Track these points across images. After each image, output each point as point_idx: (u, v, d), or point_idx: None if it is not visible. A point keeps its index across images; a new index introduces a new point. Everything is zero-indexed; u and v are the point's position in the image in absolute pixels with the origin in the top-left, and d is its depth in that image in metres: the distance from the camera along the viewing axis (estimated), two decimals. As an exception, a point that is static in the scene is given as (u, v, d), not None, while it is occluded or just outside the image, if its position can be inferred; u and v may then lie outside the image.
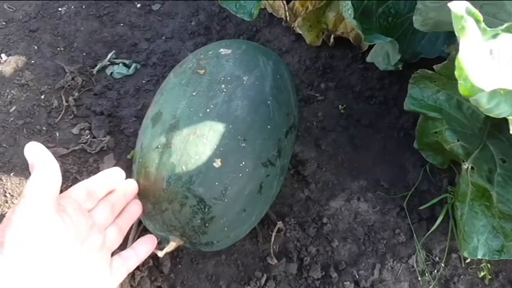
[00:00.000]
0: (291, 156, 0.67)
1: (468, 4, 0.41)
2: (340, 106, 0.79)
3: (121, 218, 0.56)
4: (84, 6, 0.92)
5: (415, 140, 0.71)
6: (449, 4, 0.40)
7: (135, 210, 0.58)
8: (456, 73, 0.41)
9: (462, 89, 0.42)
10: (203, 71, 0.60)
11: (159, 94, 0.63)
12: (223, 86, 0.58)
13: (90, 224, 0.51)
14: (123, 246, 0.60)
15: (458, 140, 0.64)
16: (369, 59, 0.80)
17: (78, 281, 0.47)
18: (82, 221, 0.50)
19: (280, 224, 0.67)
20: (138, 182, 0.58)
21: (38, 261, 0.43)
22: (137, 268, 0.65)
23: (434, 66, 0.64)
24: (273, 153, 0.58)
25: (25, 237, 0.43)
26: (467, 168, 0.62)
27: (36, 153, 0.48)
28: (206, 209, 0.55)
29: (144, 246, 0.58)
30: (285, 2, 0.83)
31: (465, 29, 0.41)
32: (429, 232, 0.67)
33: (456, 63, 0.41)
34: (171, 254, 0.66)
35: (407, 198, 0.70)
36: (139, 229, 0.67)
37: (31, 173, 0.47)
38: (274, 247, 0.67)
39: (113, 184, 0.56)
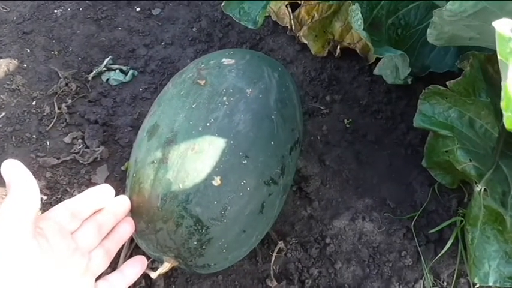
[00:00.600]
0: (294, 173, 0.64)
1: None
2: (345, 120, 0.76)
3: (109, 240, 0.52)
4: (81, 9, 0.88)
5: (423, 158, 0.68)
6: (494, 23, 0.36)
7: (126, 230, 0.54)
8: (502, 104, 0.37)
9: (509, 122, 0.38)
10: (204, 81, 0.57)
11: (157, 105, 0.59)
12: (225, 98, 0.55)
13: (72, 248, 0.47)
14: (115, 264, 0.57)
15: (470, 160, 0.60)
16: (376, 71, 0.77)
17: None
18: (62, 244, 0.46)
19: (281, 244, 0.64)
20: (131, 198, 0.54)
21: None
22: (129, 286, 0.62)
23: (448, 83, 0.61)
24: (276, 171, 0.55)
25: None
26: (480, 190, 0.59)
27: (13, 171, 0.44)
28: (203, 230, 0.51)
29: (133, 269, 0.54)
30: (290, 10, 0.80)
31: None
32: (438, 256, 0.64)
33: (503, 93, 0.37)
34: (165, 274, 0.62)
35: (415, 219, 0.66)
36: (132, 246, 0.64)
37: (7, 193, 0.43)
38: (274, 268, 0.64)
39: (100, 203, 0.52)
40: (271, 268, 0.63)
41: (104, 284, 0.50)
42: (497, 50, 0.36)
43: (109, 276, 0.52)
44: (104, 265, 0.51)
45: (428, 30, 0.55)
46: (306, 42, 0.81)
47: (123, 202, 0.54)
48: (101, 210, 0.52)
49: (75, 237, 0.48)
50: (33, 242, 0.42)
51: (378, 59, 0.78)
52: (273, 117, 0.56)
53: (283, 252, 0.65)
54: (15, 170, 0.44)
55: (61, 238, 0.46)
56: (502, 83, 0.36)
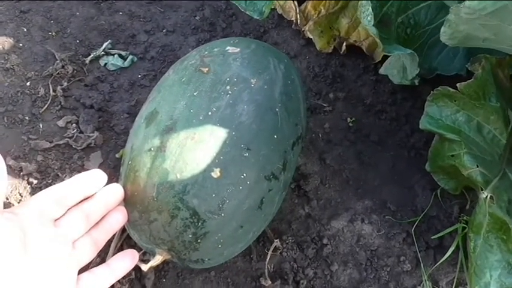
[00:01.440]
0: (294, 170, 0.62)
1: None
2: (348, 119, 0.74)
3: (97, 229, 0.50)
4: (81, -10, 0.86)
5: (427, 162, 0.66)
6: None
7: (118, 219, 0.51)
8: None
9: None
10: (207, 69, 0.54)
11: (156, 91, 0.57)
12: (228, 87, 0.52)
13: (52, 235, 0.44)
14: (104, 255, 0.55)
15: (477, 166, 0.59)
16: (382, 70, 0.75)
17: None
18: (40, 231, 0.43)
19: (277, 243, 0.62)
20: (125, 186, 0.52)
21: None
22: (117, 280, 0.59)
23: (458, 84, 0.59)
24: (278, 166, 0.53)
25: None
26: (486, 197, 0.57)
27: None
28: (199, 223, 0.49)
29: (122, 263, 0.51)
30: (296, 3, 0.78)
31: None
32: (438, 263, 0.62)
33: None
34: (156, 267, 0.60)
35: (415, 224, 0.65)
36: (123, 237, 0.61)
37: None
38: (269, 267, 0.62)
39: (89, 190, 0.49)
40: (266, 267, 0.61)
41: (88, 276, 0.48)
42: None
43: (95, 269, 0.49)
44: (90, 255, 0.49)
45: (442, 29, 0.53)
46: (311, 37, 0.79)
47: (116, 190, 0.51)
48: (90, 198, 0.50)
49: (58, 225, 0.46)
50: (1, 229, 0.40)
51: (383, 58, 0.76)
52: (277, 110, 0.53)
53: (279, 251, 0.63)
54: None
55: (39, 224, 0.43)
56: None
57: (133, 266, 0.52)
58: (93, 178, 0.49)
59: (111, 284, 0.50)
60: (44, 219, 0.45)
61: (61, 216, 0.47)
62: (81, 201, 0.49)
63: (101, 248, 0.51)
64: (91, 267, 0.50)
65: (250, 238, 0.55)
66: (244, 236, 0.53)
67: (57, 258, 0.44)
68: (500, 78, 0.64)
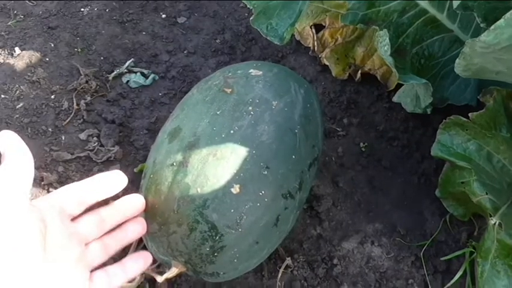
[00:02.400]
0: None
1: None
2: (361, 144, 0.76)
3: (111, 236, 0.51)
4: (107, 10, 0.89)
5: (437, 188, 0.68)
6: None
7: (136, 230, 0.52)
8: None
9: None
10: (230, 90, 0.57)
11: (180, 109, 0.59)
12: (250, 108, 0.55)
13: (69, 232, 0.45)
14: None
15: (486, 193, 0.60)
16: (395, 98, 0.78)
17: None
18: (59, 226, 0.44)
19: (288, 261, 0.63)
20: (146, 198, 0.54)
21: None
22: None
23: (470, 114, 0.61)
24: (295, 185, 0.55)
25: None
26: (495, 224, 0.59)
27: (8, 142, 0.43)
28: (217, 237, 0.51)
29: (135, 263, 0.52)
30: (314, 31, 0.81)
31: None
32: (446, 287, 0.63)
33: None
34: (169, 280, 0.61)
35: (424, 248, 0.66)
36: (139, 248, 0.63)
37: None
38: (280, 284, 0.63)
39: (109, 190, 0.50)
40: (277, 284, 0.62)
41: (101, 274, 0.49)
42: None
43: (109, 268, 0.50)
44: (101, 258, 0.50)
45: (457, 61, 0.55)
46: (327, 63, 0.82)
47: (135, 200, 0.53)
48: (109, 205, 0.51)
49: (74, 223, 0.47)
50: (26, 216, 0.41)
51: (397, 87, 0.79)
52: (296, 131, 0.56)
53: (290, 270, 0.64)
54: (12, 141, 0.44)
55: (58, 220, 0.45)
56: None
57: (145, 268, 0.52)
58: (114, 178, 0.50)
59: (122, 284, 0.50)
60: (63, 215, 0.46)
61: (78, 216, 0.48)
62: (100, 205, 0.50)
63: (111, 255, 0.51)
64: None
65: (264, 254, 0.56)
66: (259, 252, 0.55)
67: (72, 255, 0.45)
68: (511, 110, 0.66)
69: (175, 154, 0.54)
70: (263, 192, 0.52)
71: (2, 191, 0.40)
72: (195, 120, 0.55)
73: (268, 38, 0.71)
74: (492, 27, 0.46)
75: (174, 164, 0.53)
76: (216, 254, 0.51)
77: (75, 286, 0.45)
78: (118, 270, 0.50)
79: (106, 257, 0.50)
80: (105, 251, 0.50)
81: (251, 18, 0.71)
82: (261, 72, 0.59)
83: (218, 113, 0.55)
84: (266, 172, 0.52)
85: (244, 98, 0.56)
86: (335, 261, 0.65)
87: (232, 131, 0.53)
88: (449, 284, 0.63)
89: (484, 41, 0.48)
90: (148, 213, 0.54)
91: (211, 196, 0.51)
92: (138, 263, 0.52)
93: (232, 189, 0.51)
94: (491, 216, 0.59)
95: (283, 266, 0.63)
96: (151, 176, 0.55)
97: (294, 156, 0.55)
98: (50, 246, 0.43)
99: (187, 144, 0.54)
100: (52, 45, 0.83)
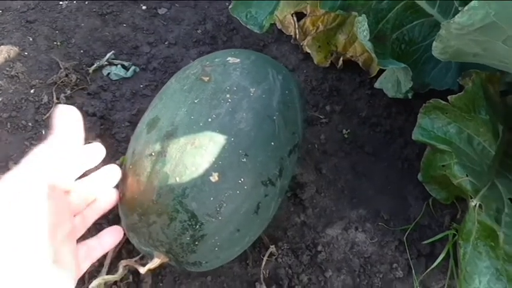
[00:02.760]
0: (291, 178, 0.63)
1: None
2: (344, 131, 0.76)
3: (88, 208, 0.52)
4: (87, 2, 0.88)
5: (419, 173, 0.68)
6: None
7: (109, 199, 0.53)
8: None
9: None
10: (208, 78, 0.57)
11: (158, 99, 0.59)
12: (228, 95, 0.54)
13: (64, 207, 0.47)
14: (99, 267, 0.56)
15: (467, 175, 0.60)
16: (377, 84, 0.78)
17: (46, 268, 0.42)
18: (61, 202, 0.46)
19: (272, 248, 0.63)
20: (125, 190, 0.54)
21: (17, 242, 0.39)
22: (115, 283, 0.61)
23: (449, 97, 0.61)
24: (275, 172, 0.55)
25: (8, 217, 0.39)
26: (475, 205, 0.59)
27: (62, 118, 0.45)
28: (197, 226, 0.50)
29: (110, 237, 0.54)
30: (295, 19, 0.81)
31: None
32: (428, 270, 0.63)
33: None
34: (153, 271, 0.61)
35: (407, 232, 0.66)
36: (121, 241, 0.62)
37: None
38: (264, 272, 0.63)
39: (93, 162, 0.51)
40: (262, 272, 0.62)
41: (83, 247, 0.51)
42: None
43: (88, 241, 0.52)
44: (81, 232, 0.51)
45: (434, 43, 0.55)
46: (309, 51, 0.82)
47: (112, 170, 0.53)
48: (87, 176, 0.52)
49: (67, 196, 0.49)
50: (44, 193, 0.42)
51: (379, 73, 0.79)
52: (274, 118, 0.55)
53: (274, 257, 0.64)
54: (67, 118, 0.45)
55: (59, 196, 0.46)
56: None
57: (118, 241, 0.55)
58: (94, 151, 0.51)
59: (99, 256, 0.53)
60: (60, 190, 0.47)
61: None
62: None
63: (88, 227, 0.52)
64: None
65: (246, 242, 0.56)
66: (240, 240, 0.55)
67: (67, 229, 0.47)
68: (490, 92, 0.66)
69: (153, 144, 0.53)
70: (242, 179, 0.52)
71: (32, 169, 0.41)
72: (173, 109, 0.55)
73: (247, 27, 0.71)
74: (466, 8, 0.46)
75: (153, 154, 0.53)
76: (196, 243, 0.51)
77: (66, 259, 0.46)
78: (96, 244, 0.52)
79: (84, 230, 0.52)
80: (84, 223, 0.52)
81: (230, 7, 0.71)
82: (238, 60, 0.58)
83: (196, 101, 0.55)
84: (245, 159, 0.52)
85: (221, 86, 0.55)
86: (319, 248, 0.65)
87: (210, 119, 0.53)
88: (432, 267, 0.63)
89: (458, 22, 0.48)
90: (128, 204, 0.53)
91: (190, 185, 0.50)
92: (113, 237, 0.54)
93: (211, 178, 0.51)
94: (471, 198, 0.59)
95: (267, 254, 0.63)
96: (131, 166, 0.54)
97: (273, 143, 0.54)
98: (55, 222, 0.43)
99: (166, 133, 0.53)
100: (31, 39, 0.82)
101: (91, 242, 0.52)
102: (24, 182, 0.41)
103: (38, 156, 0.43)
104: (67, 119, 0.46)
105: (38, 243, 0.41)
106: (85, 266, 0.51)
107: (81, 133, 0.46)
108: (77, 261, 0.49)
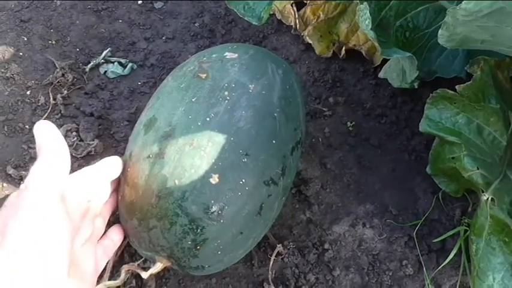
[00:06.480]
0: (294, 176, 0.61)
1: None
2: (348, 123, 0.74)
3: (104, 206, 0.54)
4: (81, -1, 0.86)
5: (428, 165, 0.66)
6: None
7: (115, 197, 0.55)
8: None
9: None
10: (205, 75, 0.54)
11: (155, 98, 0.57)
12: (226, 93, 0.52)
13: (83, 214, 0.49)
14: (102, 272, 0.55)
15: (478, 168, 0.58)
16: (381, 74, 0.75)
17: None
18: (78, 210, 0.47)
19: (279, 248, 0.62)
20: (124, 194, 0.52)
21: (36, 254, 0.40)
22: (118, 288, 0.59)
23: (457, 87, 0.59)
24: (277, 171, 0.53)
25: (27, 230, 0.40)
26: (487, 199, 0.57)
27: (45, 134, 0.45)
28: (198, 230, 0.49)
29: (116, 235, 0.55)
30: (295, 9, 0.78)
31: None
32: (440, 266, 0.61)
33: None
34: (157, 274, 0.60)
35: (417, 227, 0.64)
36: (123, 245, 0.61)
37: (37, 156, 0.44)
38: (271, 272, 0.61)
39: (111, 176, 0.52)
40: (269, 272, 0.60)
41: (100, 248, 0.53)
42: None
43: (102, 241, 0.53)
44: (102, 230, 0.54)
45: (440, 31, 0.53)
46: (310, 42, 0.79)
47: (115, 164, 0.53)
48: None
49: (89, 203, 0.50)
50: (59, 206, 0.42)
51: (383, 62, 0.76)
52: (275, 115, 0.53)
53: (281, 257, 0.63)
54: (49, 133, 0.45)
55: (77, 204, 0.47)
56: None
57: (123, 240, 0.56)
58: (112, 164, 0.52)
59: (112, 253, 0.55)
60: (81, 201, 0.48)
61: None
62: None
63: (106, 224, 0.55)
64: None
65: (250, 244, 0.55)
66: (244, 242, 0.53)
67: (87, 233, 0.50)
68: (499, 80, 0.63)
69: (151, 145, 0.52)
70: (244, 180, 0.50)
71: (39, 189, 0.42)
72: (170, 109, 0.53)
73: (245, 19, 0.69)
74: (473, -7, 0.44)
75: (151, 156, 0.51)
76: (198, 247, 0.50)
77: (85, 264, 0.49)
78: (109, 243, 0.54)
79: (104, 228, 0.54)
80: (104, 223, 0.54)
81: (226, -1, 0.69)
82: (236, 55, 0.56)
83: (193, 100, 0.53)
84: (246, 159, 0.50)
85: (219, 83, 0.53)
86: (326, 245, 0.64)
87: (208, 119, 0.51)
88: (443, 264, 0.61)
89: (465, 8, 0.45)
90: (127, 208, 0.52)
91: (190, 188, 0.49)
92: (118, 234, 0.55)
93: (211, 179, 0.49)
94: (483, 191, 0.57)
95: (275, 254, 0.61)
96: (128, 169, 0.53)
97: (274, 141, 0.53)
98: (73, 229, 0.44)
99: (163, 134, 0.51)
100: (25, 39, 0.81)
101: (104, 242, 0.54)
102: (36, 198, 0.41)
103: (44, 173, 0.43)
104: (50, 134, 0.46)
105: (50, 261, 0.41)
106: (102, 264, 0.53)
107: (66, 145, 0.46)
108: (96, 260, 0.50)
